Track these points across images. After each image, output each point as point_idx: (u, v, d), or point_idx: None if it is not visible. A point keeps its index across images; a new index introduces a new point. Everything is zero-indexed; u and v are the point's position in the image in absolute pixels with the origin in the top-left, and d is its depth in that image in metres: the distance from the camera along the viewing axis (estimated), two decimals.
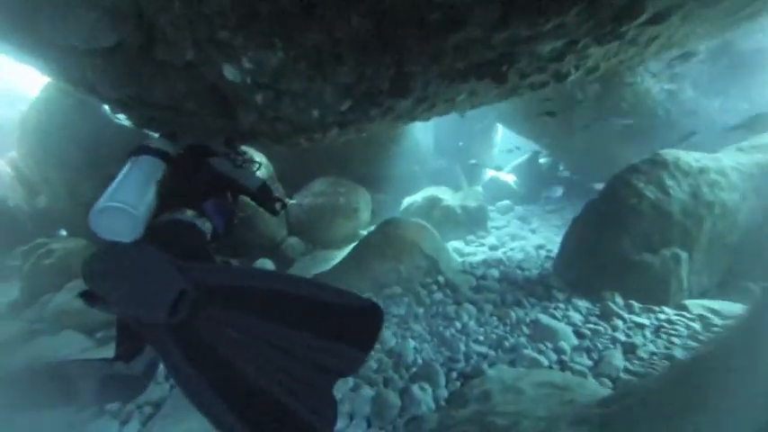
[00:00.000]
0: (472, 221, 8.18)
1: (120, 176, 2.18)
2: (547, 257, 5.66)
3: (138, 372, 1.97)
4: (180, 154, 2.59)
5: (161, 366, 2.18)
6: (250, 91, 2.83)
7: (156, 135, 3.24)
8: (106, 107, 4.39)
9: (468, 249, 7.40)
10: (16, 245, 4.94)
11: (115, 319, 2.06)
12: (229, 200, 2.77)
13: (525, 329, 3.60)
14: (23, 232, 5.27)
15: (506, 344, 3.42)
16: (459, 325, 3.75)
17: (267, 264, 6.79)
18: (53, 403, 1.84)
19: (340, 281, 4.82)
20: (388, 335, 3.63)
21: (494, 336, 3.57)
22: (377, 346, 3.47)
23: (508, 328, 3.67)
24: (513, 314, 3.82)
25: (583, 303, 3.90)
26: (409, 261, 4.90)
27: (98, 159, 4.90)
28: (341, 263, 5.25)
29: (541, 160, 10.88)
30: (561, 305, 3.93)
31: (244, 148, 3.60)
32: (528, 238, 7.65)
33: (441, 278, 4.77)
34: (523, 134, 10.43)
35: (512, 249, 6.89)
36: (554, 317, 3.71)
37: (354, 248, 5.55)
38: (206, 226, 2.32)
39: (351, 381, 3.09)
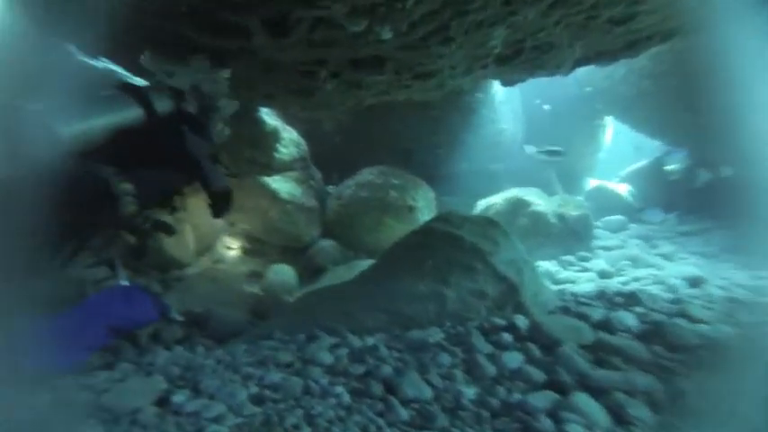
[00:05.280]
0: (571, 236, 5.48)
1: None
2: (731, 300, 2.88)
3: None
4: (166, 115, 2.37)
5: None
6: None
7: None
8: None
9: (564, 275, 4.75)
10: None
11: None
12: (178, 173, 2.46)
13: None
14: None
15: None
16: None
17: (283, 270, 4.78)
18: None
19: (338, 309, 2.63)
20: None
21: None
22: None
23: None
24: None
25: None
26: (464, 281, 2.54)
27: None
28: (353, 280, 3.06)
29: (671, 167, 7.65)
30: None
31: None
32: (662, 266, 4.74)
33: (521, 321, 2.32)
34: (648, 130, 7.39)
35: (638, 280, 4.12)
36: None
37: (382, 257, 3.34)
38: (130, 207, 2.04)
39: None
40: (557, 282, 4.51)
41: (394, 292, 2.53)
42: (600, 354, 2.01)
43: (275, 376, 1.91)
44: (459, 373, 1.88)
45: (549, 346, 2.05)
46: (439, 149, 6.55)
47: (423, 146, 6.43)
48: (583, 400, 1.62)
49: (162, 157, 2.37)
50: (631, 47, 3.82)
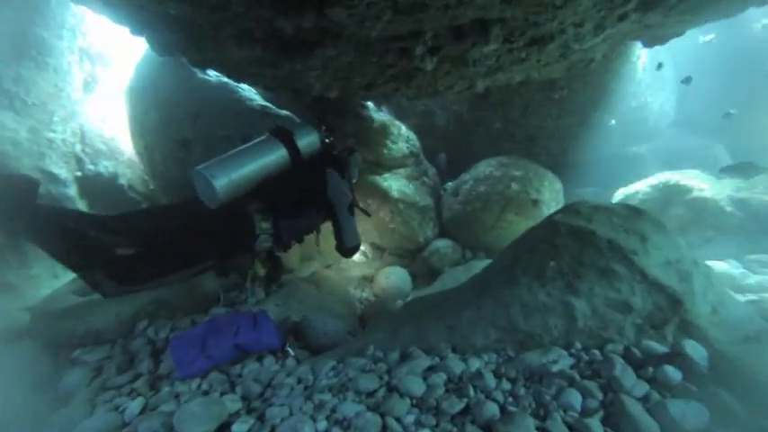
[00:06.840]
0: (761, 228, 4.04)
1: (239, 149, 2.26)
2: None
3: None
4: (309, 157, 2.50)
5: None
6: None
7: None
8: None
9: (753, 280, 3.50)
10: None
11: None
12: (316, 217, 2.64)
13: None
14: None
15: None
16: None
17: (396, 273, 4.44)
18: None
19: (440, 321, 2.20)
20: None
21: None
22: None
23: None
24: None
25: None
26: (599, 289, 1.87)
27: (170, 120, 3.76)
28: (462, 286, 2.55)
29: None
30: None
31: None
32: None
33: (695, 349, 1.56)
34: None
35: None
36: None
37: (496, 258, 2.77)
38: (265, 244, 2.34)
39: None
40: (740, 290, 3.30)
41: (508, 301, 2.00)
42: None
43: (350, 409, 1.59)
44: (597, 426, 1.28)
45: (760, 397, 1.29)
46: (564, 133, 5.55)
47: (547, 131, 5.52)
48: None
49: (303, 199, 2.47)
50: None
